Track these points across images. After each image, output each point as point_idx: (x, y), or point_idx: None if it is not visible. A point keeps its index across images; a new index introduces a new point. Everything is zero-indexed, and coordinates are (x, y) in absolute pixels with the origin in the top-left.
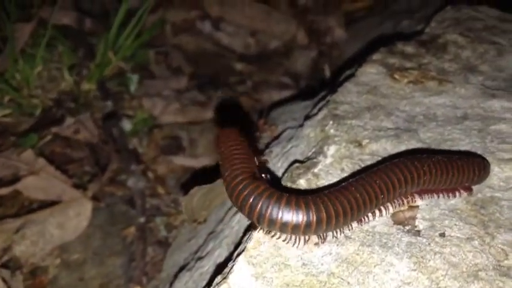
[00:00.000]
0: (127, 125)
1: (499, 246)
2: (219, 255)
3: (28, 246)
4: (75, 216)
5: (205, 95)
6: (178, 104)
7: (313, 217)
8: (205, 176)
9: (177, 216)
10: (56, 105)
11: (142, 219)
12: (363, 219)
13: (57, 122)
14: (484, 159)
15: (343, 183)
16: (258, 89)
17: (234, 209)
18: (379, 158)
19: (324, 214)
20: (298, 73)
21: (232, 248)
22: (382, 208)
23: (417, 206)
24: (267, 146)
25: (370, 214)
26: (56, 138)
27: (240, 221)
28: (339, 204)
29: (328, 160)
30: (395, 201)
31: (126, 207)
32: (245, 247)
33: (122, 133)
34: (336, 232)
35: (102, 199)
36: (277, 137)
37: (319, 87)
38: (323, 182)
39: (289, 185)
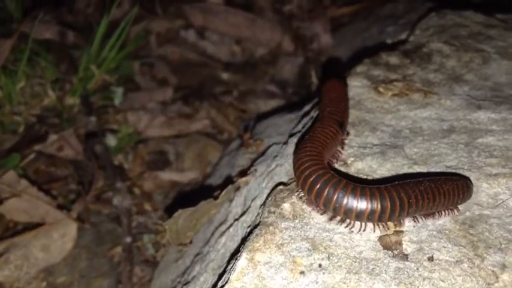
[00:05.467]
0: (112, 141)
1: (489, 268)
2: (205, 280)
3: (12, 270)
4: (60, 238)
5: (191, 107)
6: (163, 117)
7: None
8: (189, 196)
9: (164, 234)
10: (39, 121)
11: (128, 239)
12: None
13: (40, 139)
14: (467, 179)
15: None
16: (245, 98)
17: (221, 229)
18: (365, 177)
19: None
20: (284, 81)
21: (217, 273)
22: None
23: (402, 231)
24: (253, 163)
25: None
26: (40, 156)
27: (225, 243)
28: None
29: None
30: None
31: (112, 226)
32: (228, 278)
33: (107, 149)
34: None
35: (87, 218)
36: (262, 154)
37: (306, 95)
38: None
39: (272, 209)
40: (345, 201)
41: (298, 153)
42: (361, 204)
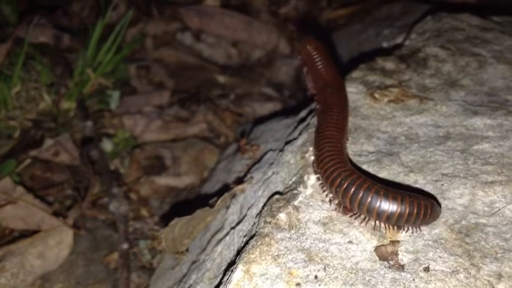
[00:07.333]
0: (108, 146)
1: (485, 278)
2: None
3: (8, 278)
4: (56, 245)
5: (188, 110)
6: (160, 121)
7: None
8: (185, 203)
9: (161, 240)
10: (34, 126)
11: (125, 245)
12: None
13: (36, 145)
14: (436, 200)
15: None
16: (241, 101)
17: (217, 237)
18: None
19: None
20: (281, 83)
21: (214, 284)
22: None
23: (398, 241)
24: (249, 169)
25: None
26: (36, 162)
27: (222, 252)
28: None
29: (309, 191)
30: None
31: (109, 232)
32: None
33: (103, 154)
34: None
35: (83, 224)
36: (258, 160)
37: (302, 98)
38: (304, 215)
39: (268, 220)
40: (369, 200)
41: (319, 145)
42: (384, 205)
